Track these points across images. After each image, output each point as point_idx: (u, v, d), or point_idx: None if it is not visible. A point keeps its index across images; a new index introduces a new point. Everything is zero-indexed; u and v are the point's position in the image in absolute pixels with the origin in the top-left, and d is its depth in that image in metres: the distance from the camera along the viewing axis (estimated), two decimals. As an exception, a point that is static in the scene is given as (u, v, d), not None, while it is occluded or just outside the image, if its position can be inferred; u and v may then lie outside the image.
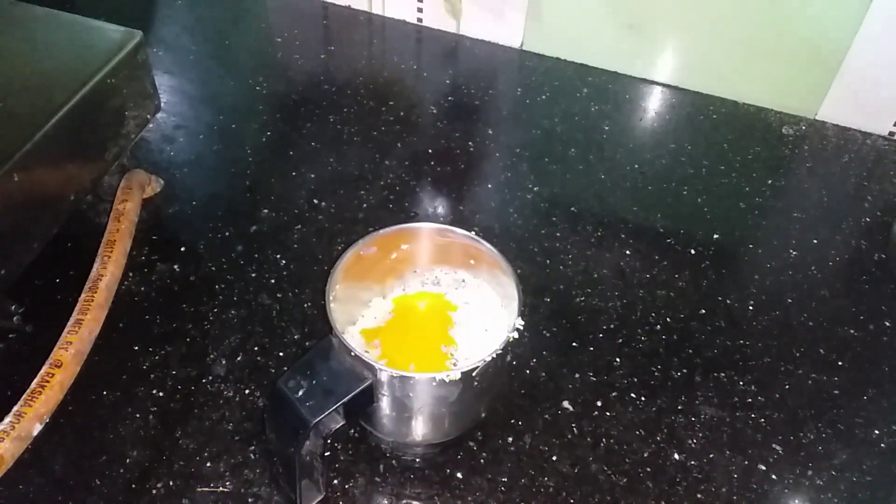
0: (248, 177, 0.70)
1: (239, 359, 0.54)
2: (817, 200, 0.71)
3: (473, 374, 0.44)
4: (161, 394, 0.52)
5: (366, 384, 0.43)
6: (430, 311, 0.53)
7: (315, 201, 0.67)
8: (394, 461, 0.50)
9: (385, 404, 0.46)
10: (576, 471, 0.49)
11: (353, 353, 0.44)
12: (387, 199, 0.67)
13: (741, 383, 0.55)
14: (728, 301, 0.61)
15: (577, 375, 0.55)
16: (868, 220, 0.69)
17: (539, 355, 0.56)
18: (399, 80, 0.83)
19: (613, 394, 0.54)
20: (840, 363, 0.57)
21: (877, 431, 0.53)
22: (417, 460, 0.50)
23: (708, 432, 0.52)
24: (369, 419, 0.49)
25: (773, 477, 0.50)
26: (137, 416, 0.50)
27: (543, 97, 0.80)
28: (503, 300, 0.53)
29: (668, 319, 0.59)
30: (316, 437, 0.44)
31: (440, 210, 0.68)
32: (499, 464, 0.50)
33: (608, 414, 0.52)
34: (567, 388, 0.54)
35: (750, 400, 0.54)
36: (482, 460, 0.50)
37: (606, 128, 0.77)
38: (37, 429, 0.47)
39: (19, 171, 0.50)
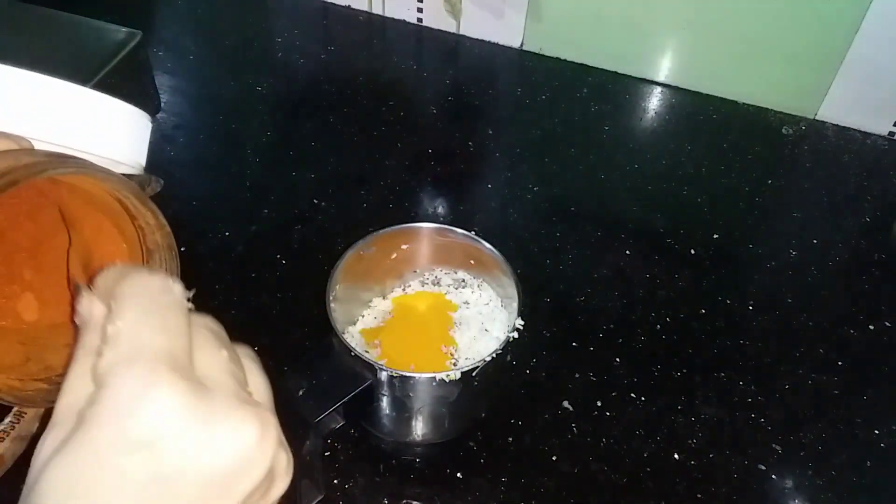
0: (248, 177, 0.70)
1: (239, 359, 0.54)
2: (817, 200, 0.71)
3: (473, 374, 0.44)
4: (161, 394, 0.52)
5: (366, 384, 0.43)
6: (430, 311, 0.53)
7: (315, 201, 0.67)
8: (394, 461, 0.50)
9: (385, 404, 0.46)
10: (576, 471, 0.49)
11: (353, 353, 0.44)
12: (387, 199, 0.67)
13: (741, 383, 0.55)
14: (728, 301, 0.61)
15: (577, 375, 0.55)
16: (868, 220, 0.69)
17: (539, 355, 0.56)
18: (399, 80, 0.83)
19: (613, 394, 0.54)
20: (840, 363, 0.57)
21: (877, 431, 0.53)
22: (417, 460, 0.50)
23: (708, 432, 0.52)
24: (369, 419, 0.49)
25: (773, 477, 0.50)
26: (137, 416, 0.50)
27: (543, 97, 0.80)
28: (503, 300, 0.53)
29: (668, 319, 0.59)
30: (316, 437, 0.44)
31: (440, 210, 0.68)
32: (499, 464, 0.50)
33: (608, 414, 0.52)
34: (567, 388, 0.54)
35: (750, 400, 0.54)
36: (482, 460, 0.50)
37: (606, 128, 0.77)
38: (37, 428, 0.47)
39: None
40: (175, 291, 0.25)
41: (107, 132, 0.28)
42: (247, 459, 0.22)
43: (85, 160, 0.27)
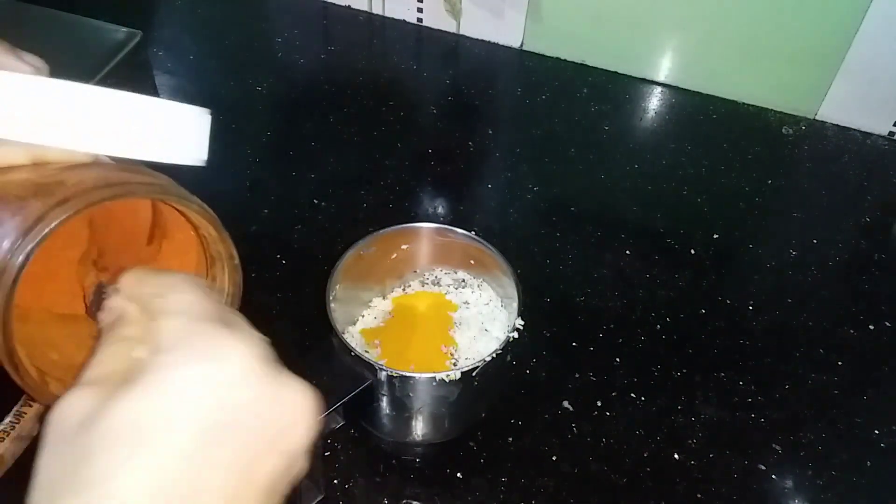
0: (248, 177, 0.70)
1: (239, 359, 0.54)
2: (817, 200, 0.71)
3: (473, 374, 0.44)
4: (161, 394, 0.52)
5: (366, 384, 0.43)
6: (430, 311, 0.53)
7: (315, 201, 0.67)
8: (394, 461, 0.50)
9: (385, 404, 0.46)
10: (576, 471, 0.49)
11: (353, 353, 0.44)
12: (387, 199, 0.67)
13: (741, 383, 0.55)
14: (728, 301, 0.61)
15: (577, 375, 0.55)
16: (868, 220, 0.69)
17: (539, 355, 0.56)
18: (399, 80, 0.83)
19: (613, 394, 0.54)
20: (840, 363, 0.57)
21: (877, 431, 0.53)
22: (417, 460, 0.50)
23: (708, 432, 0.52)
24: (369, 419, 0.49)
25: (773, 477, 0.50)
26: (137, 416, 0.50)
27: (543, 97, 0.80)
28: (503, 300, 0.53)
29: (668, 319, 0.59)
30: (316, 437, 0.44)
31: (440, 210, 0.68)
32: (499, 464, 0.49)
33: (608, 414, 0.52)
34: (567, 388, 0.54)
35: (750, 400, 0.54)
36: (482, 460, 0.50)
37: (606, 128, 0.77)
38: (37, 429, 0.47)
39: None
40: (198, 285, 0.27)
41: (171, 137, 0.29)
42: (304, 423, 0.24)
43: (140, 181, 0.28)
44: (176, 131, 0.29)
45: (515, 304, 0.48)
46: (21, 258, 0.24)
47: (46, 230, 0.24)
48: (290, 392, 0.24)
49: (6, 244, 0.24)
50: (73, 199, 0.25)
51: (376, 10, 0.90)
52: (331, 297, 0.47)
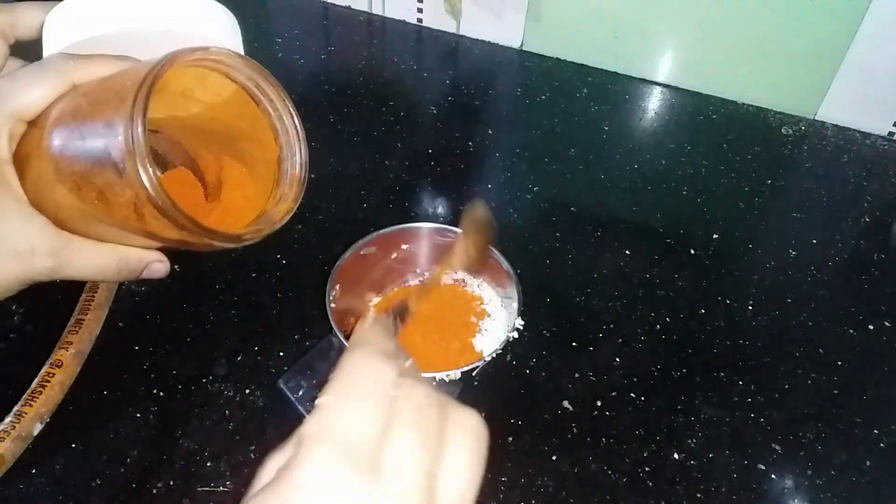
0: (248, 177, 0.70)
1: (239, 359, 0.54)
2: (817, 200, 0.71)
3: (473, 374, 0.44)
4: (161, 394, 0.52)
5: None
6: (429, 310, 0.53)
7: (315, 201, 0.67)
8: (394, 461, 0.50)
9: (385, 404, 0.46)
10: (576, 471, 0.49)
11: (353, 353, 0.43)
12: (387, 199, 0.67)
13: (741, 383, 0.55)
14: (728, 301, 0.61)
15: (577, 375, 0.55)
16: (868, 220, 0.69)
17: (539, 355, 0.56)
18: (399, 80, 0.83)
19: (613, 394, 0.54)
20: (840, 363, 0.57)
21: (876, 431, 0.53)
22: (417, 460, 0.50)
23: (708, 432, 0.52)
24: (369, 419, 0.49)
25: (773, 477, 0.50)
26: (137, 416, 0.50)
27: (543, 97, 0.80)
28: (503, 300, 0.53)
29: (668, 319, 0.59)
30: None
31: (440, 210, 0.68)
32: (499, 464, 0.49)
33: (608, 414, 0.52)
34: (567, 388, 0.54)
35: (750, 400, 0.54)
36: (482, 460, 0.50)
37: (606, 128, 0.77)
38: (37, 428, 0.47)
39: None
40: (384, 378, 0.26)
41: (218, 26, 0.41)
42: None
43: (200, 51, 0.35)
44: (222, 21, 0.43)
45: (515, 304, 0.48)
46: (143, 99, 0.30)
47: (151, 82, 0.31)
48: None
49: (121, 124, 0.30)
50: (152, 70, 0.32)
51: (376, 10, 0.90)
52: (331, 297, 0.47)
